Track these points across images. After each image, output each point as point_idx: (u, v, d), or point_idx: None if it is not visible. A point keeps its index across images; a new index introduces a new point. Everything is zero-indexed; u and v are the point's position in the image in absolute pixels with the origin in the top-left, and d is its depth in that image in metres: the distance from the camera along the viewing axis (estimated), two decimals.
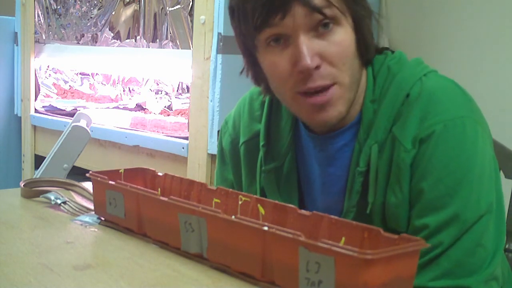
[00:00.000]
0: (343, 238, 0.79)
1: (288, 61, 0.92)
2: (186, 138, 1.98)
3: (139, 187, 0.98)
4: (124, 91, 2.78)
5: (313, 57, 0.90)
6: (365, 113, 0.97)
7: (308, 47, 0.90)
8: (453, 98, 0.94)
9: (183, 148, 1.98)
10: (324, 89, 0.92)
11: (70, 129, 1.65)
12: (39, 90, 2.88)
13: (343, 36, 0.92)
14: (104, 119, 2.44)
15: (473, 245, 0.89)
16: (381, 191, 0.95)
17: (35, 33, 2.83)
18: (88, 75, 2.96)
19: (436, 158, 0.90)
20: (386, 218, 0.94)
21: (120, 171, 1.09)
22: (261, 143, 1.07)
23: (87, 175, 1.07)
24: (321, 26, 0.90)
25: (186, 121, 2.05)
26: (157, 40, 2.18)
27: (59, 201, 1.16)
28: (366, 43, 0.96)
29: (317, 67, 0.91)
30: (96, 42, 2.52)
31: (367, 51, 0.96)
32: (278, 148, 1.07)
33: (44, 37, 2.82)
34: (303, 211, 0.88)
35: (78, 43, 2.62)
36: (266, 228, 0.77)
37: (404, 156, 0.92)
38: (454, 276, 0.88)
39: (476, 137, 0.92)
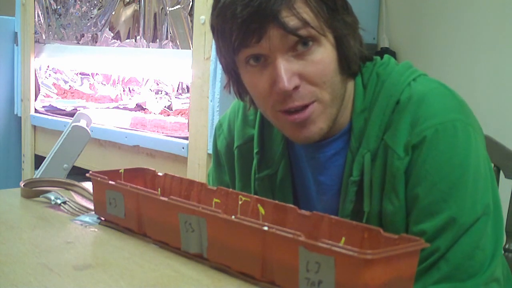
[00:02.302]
0: (343, 238, 0.79)
1: (267, 81, 0.92)
2: (186, 138, 1.98)
3: (139, 187, 0.98)
4: (124, 91, 2.78)
5: (291, 78, 0.89)
6: (356, 122, 0.97)
7: (286, 68, 0.89)
8: (443, 102, 0.93)
9: (183, 148, 1.98)
10: (304, 107, 0.92)
11: (70, 129, 1.65)
12: (39, 90, 2.88)
13: (322, 55, 0.91)
14: (104, 119, 2.44)
15: (471, 248, 0.88)
16: (376, 200, 0.94)
17: (35, 33, 2.83)
18: (88, 75, 2.96)
19: (429, 163, 0.90)
20: (383, 226, 0.94)
21: (120, 171, 1.09)
22: (255, 150, 1.07)
23: (87, 175, 1.07)
24: (300, 45, 0.90)
25: (186, 121, 2.05)
26: (157, 40, 2.18)
27: (59, 201, 1.16)
28: (348, 59, 0.94)
29: (296, 88, 0.90)
30: (96, 42, 2.52)
31: (350, 66, 0.95)
32: (271, 155, 1.06)
33: (44, 37, 2.82)
34: (303, 211, 0.89)
35: (78, 43, 2.62)
36: (266, 228, 0.77)
37: (398, 164, 0.91)
38: (454, 279, 0.88)
39: (468, 139, 0.91)
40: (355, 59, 0.96)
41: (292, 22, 0.88)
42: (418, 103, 0.92)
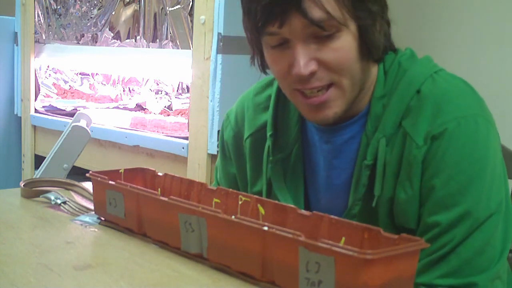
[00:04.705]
0: (343, 238, 0.79)
1: (286, 63, 0.93)
2: (186, 138, 1.98)
3: (139, 187, 0.98)
4: (124, 91, 2.78)
5: (308, 63, 0.91)
6: (374, 107, 0.98)
7: (304, 54, 0.91)
8: (465, 96, 0.95)
9: (183, 148, 1.98)
10: (322, 88, 0.93)
11: (70, 129, 1.65)
12: (39, 90, 2.88)
13: (342, 43, 0.92)
14: (104, 119, 2.44)
15: (482, 244, 0.89)
16: (389, 186, 0.95)
17: (35, 33, 2.83)
18: (88, 75, 2.95)
19: (449, 156, 0.90)
20: (394, 214, 0.95)
21: (120, 171, 1.09)
22: (269, 133, 1.07)
23: (87, 175, 1.07)
24: (322, 33, 0.90)
25: (186, 121, 2.05)
26: (157, 40, 2.18)
27: (59, 201, 1.16)
28: (370, 48, 0.95)
29: (313, 73, 0.91)
30: (96, 42, 2.52)
31: (372, 54, 0.96)
32: (285, 139, 1.07)
33: (44, 37, 2.81)
34: (303, 211, 0.89)
35: (78, 43, 2.62)
36: (266, 228, 0.77)
37: (416, 153, 0.92)
38: (462, 274, 0.88)
39: (488, 135, 0.92)
40: (378, 48, 0.96)
41: (314, 12, 0.89)
42: (441, 95, 0.93)
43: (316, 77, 0.92)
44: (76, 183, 1.29)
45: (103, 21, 2.46)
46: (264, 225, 0.77)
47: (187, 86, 2.33)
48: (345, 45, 0.92)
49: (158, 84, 2.57)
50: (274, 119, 1.08)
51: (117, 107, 2.67)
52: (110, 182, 1.02)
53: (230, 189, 1.01)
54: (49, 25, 2.78)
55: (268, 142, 1.07)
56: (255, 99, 1.13)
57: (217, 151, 1.63)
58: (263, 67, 1.04)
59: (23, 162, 2.94)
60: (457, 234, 0.89)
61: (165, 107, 2.49)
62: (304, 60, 0.90)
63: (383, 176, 0.95)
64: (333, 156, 1.02)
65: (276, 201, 0.93)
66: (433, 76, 0.96)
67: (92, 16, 2.52)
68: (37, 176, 1.61)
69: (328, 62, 0.92)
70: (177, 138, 2.05)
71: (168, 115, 2.43)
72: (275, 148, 1.07)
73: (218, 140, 1.76)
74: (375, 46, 0.95)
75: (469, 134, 0.91)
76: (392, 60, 1.00)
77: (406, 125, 0.94)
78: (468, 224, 0.89)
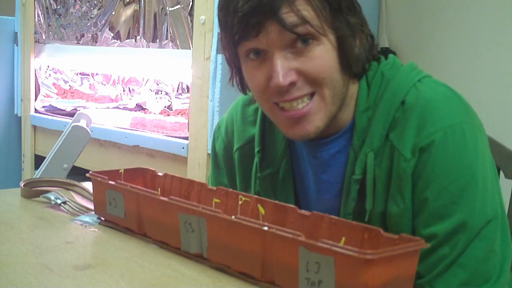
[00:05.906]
0: (343, 238, 0.79)
1: (264, 76, 0.92)
2: (186, 138, 1.98)
3: (139, 187, 0.98)
4: (124, 91, 2.78)
5: (287, 74, 0.89)
6: (359, 120, 0.97)
7: (283, 65, 0.89)
8: (449, 104, 0.93)
9: (183, 148, 1.98)
10: (302, 102, 0.92)
11: (70, 129, 1.65)
12: (39, 90, 2.88)
13: (321, 52, 0.90)
14: (104, 119, 2.44)
15: (485, 252, 0.88)
16: (380, 200, 0.94)
17: (35, 33, 2.83)
18: (88, 75, 2.95)
19: (439, 167, 0.89)
20: (387, 227, 0.94)
21: (120, 171, 1.09)
22: (256, 149, 1.07)
23: (87, 175, 1.07)
24: (300, 42, 0.89)
25: (186, 121, 2.06)
26: (157, 40, 2.18)
27: (59, 201, 1.16)
28: (349, 60, 0.94)
29: (293, 83, 0.90)
30: (96, 42, 2.52)
31: (352, 67, 0.95)
32: (273, 154, 1.06)
33: (44, 37, 2.82)
34: (303, 211, 0.89)
35: (78, 43, 2.62)
36: (266, 228, 0.77)
37: (405, 166, 0.91)
38: (472, 285, 0.88)
39: (476, 142, 0.91)
40: (357, 61, 0.95)
41: (290, 18, 0.88)
42: (425, 105, 0.92)
43: (297, 87, 0.91)
44: (76, 183, 1.29)
45: (103, 21, 2.47)
46: (264, 225, 0.77)
47: (187, 86, 2.33)
48: (323, 53, 0.91)
49: (158, 84, 2.57)
50: (261, 134, 1.07)
51: (117, 107, 2.67)
52: (110, 182, 1.02)
53: (230, 189, 1.01)
54: (49, 25, 2.78)
55: (256, 159, 1.07)
56: (243, 111, 1.11)
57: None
58: (243, 88, 1.02)
59: (23, 162, 2.94)
60: (456, 244, 0.88)
61: (165, 107, 2.49)
62: (283, 71, 0.89)
63: (373, 191, 0.94)
64: (321, 171, 1.01)
65: (276, 201, 0.93)
66: (416, 85, 0.94)
67: (92, 16, 2.52)
68: (37, 176, 1.61)
69: (307, 72, 0.90)
70: (177, 138, 2.05)
71: (168, 115, 2.43)
72: (263, 163, 1.07)
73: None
74: (353, 59, 0.94)
75: (457, 144, 0.90)
76: (375, 71, 0.98)
77: (393, 138, 0.93)
78: (466, 233, 0.88)
